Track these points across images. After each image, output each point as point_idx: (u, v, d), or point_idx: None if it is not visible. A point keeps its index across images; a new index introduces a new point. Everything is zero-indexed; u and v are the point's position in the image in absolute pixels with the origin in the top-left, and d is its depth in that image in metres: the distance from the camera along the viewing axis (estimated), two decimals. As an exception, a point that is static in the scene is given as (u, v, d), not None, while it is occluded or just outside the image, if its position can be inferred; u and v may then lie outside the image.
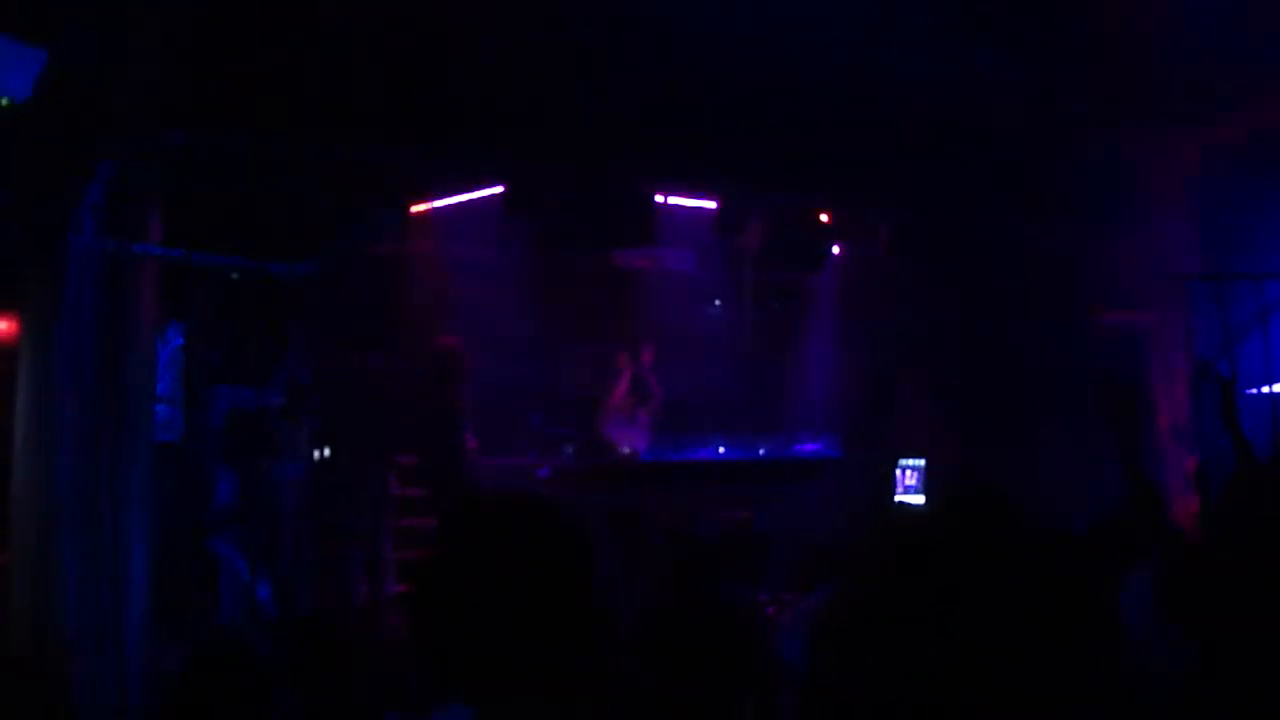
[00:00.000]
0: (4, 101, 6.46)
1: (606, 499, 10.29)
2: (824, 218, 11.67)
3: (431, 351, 9.93)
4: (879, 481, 10.09)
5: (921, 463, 4.01)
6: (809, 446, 11.43)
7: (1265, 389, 10.33)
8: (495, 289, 10.65)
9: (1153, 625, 3.06)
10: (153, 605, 7.04)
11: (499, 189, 10.12)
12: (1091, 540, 4.87)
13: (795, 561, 9.78)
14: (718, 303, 13.19)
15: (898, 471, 3.96)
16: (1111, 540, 4.87)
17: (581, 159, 9.73)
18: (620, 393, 11.23)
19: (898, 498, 4.12)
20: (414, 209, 10.14)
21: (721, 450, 11.12)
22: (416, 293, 10.68)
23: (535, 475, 10.47)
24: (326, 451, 8.84)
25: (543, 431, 11.05)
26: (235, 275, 8.29)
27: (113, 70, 6.96)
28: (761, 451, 11.22)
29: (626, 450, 10.87)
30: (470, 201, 10.29)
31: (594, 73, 8.89)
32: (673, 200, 10.96)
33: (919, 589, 2.30)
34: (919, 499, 4.18)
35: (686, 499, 10.71)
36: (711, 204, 11.08)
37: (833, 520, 10.03)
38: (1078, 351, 10.62)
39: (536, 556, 1.91)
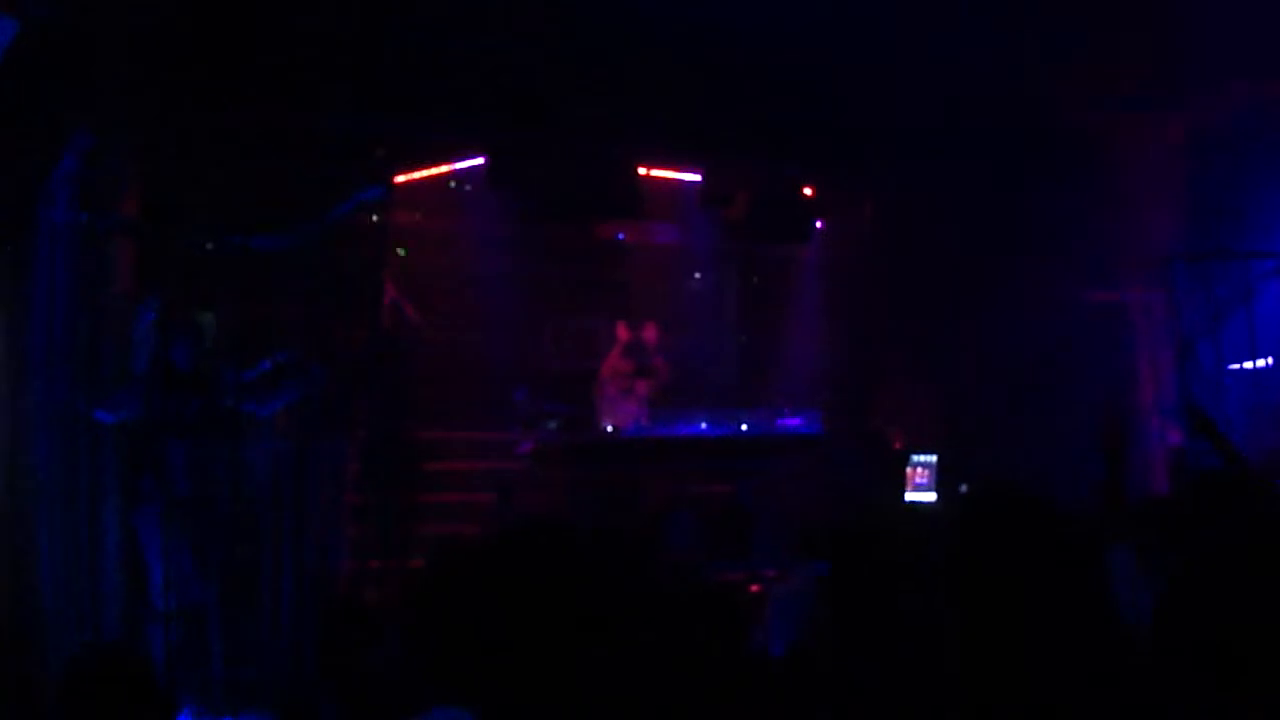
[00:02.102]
0: (-25, 72, 6.32)
1: (589, 475, 10.25)
2: (808, 191, 11.58)
3: (386, 324, 9.82)
4: (868, 464, 10.04)
5: (934, 459, 3.97)
6: (791, 422, 11.37)
7: (1249, 364, 10.37)
8: (478, 262, 10.55)
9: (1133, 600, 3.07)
10: (130, 585, 6.95)
11: (481, 161, 9.99)
12: (1082, 518, 4.87)
13: (778, 538, 9.80)
14: (698, 275, 13.12)
15: (908, 469, 3.92)
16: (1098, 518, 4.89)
17: (565, 131, 9.64)
18: (610, 363, 11.14)
19: (908, 496, 4.08)
20: (396, 180, 10.01)
21: (704, 426, 11.04)
22: (398, 266, 10.56)
23: (516, 451, 10.39)
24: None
25: (527, 407, 10.96)
26: (210, 247, 8.15)
27: (86, 40, 6.82)
28: (744, 427, 11.14)
29: (609, 426, 10.79)
30: (453, 173, 10.17)
31: (578, 44, 8.80)
32: (656, 173, 10.86)
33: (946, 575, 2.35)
34: (930, 496, 4.13)
35: (668, 474, 10.68)
36: (695, 176, 10.97)
37: (816, 499, 10.02)
38: (1063, 328, 10.61)
39: (551, 588, 1.85)
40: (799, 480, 10.93)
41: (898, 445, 12.49)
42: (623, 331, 11.26)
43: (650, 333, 11.34)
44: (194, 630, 6.90)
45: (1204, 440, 5.89)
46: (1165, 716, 2.22)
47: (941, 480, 4.52)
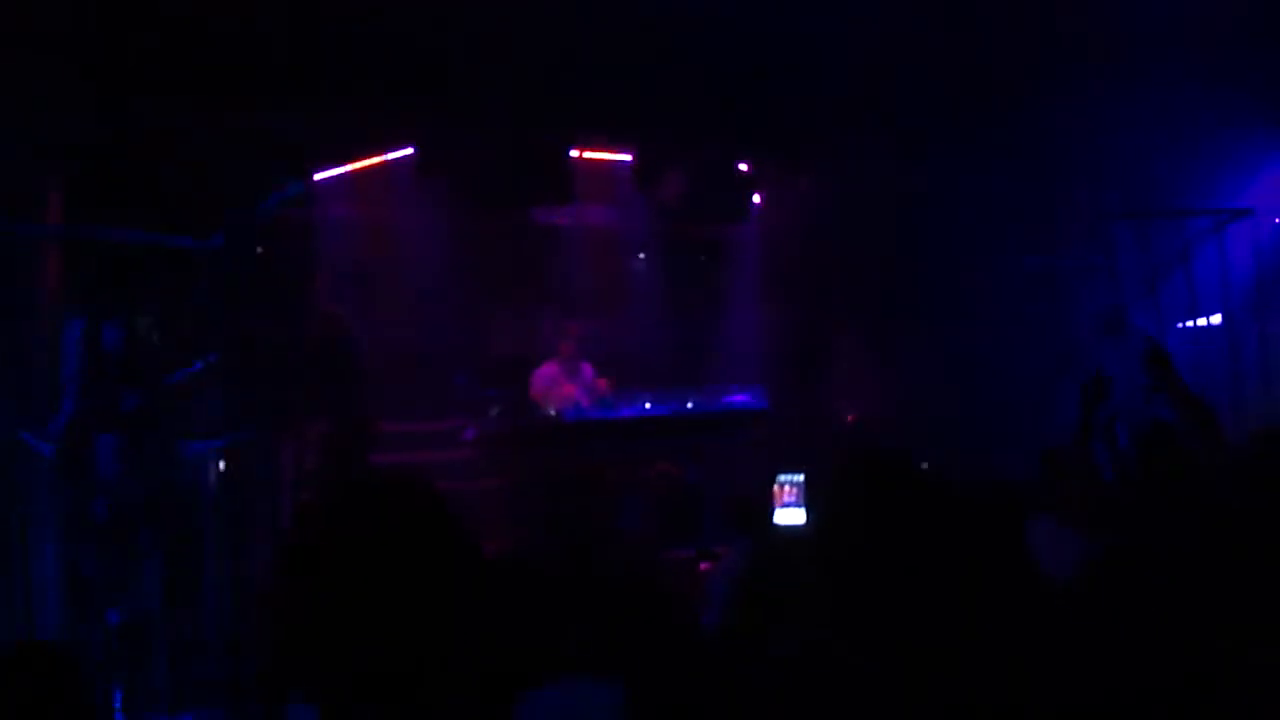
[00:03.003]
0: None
1: (534, 460, 10.20)
2: (743, 167, 11.56)
3: (316, 320, 9.73)
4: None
5: (800, 477, 3.97)
6: (738, 398, 11.37)
7: (1190, 323, 10.46)
8: (412, 252, 10.48)
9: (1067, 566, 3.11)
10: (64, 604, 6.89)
11: (409, 151, 9.91)
12: (1012, 487, 4.91)
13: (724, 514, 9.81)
14: (641, 256, 13.09)
15: (775, 487, 3.89)
16: (1028, 488, 4.92)
17: (492, 116, 9.57)
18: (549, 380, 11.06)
19: (777, 514, 4.06)
20: (324, 174, 9.92)
21: (648, 405, 11.01)
22: (329, 260, 10.47)
23: (461, 438, 10.34)
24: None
25: (467, 394, 10.90)
26: (134, 248, 8.07)
27: (6, 42, 6.73)
28: (690, 405, 11.13)
29: (552, 410, 10.74)
30: (383, 164, 10.08)
31: (502, 26, 8.72)
32: (588, 154, 10.79)
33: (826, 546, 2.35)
34: (799, 515, 4.13)
35: (615, 456, 10.65)
36: (628, 157, 10.92)
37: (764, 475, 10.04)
38: (1004, 295, 10.65)
39: (399, 550, 1.77)
40: (747, 455, 10.96)
41: (850, 419, 12.54)
42: (572, 330, 11.15)
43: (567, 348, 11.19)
44: (136, 633, 6.86)
45: (1158, 377, 5.91)
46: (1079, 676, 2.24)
47: (811, 498, 4.50)
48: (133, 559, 7.04)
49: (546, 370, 10.85)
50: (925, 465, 8.00)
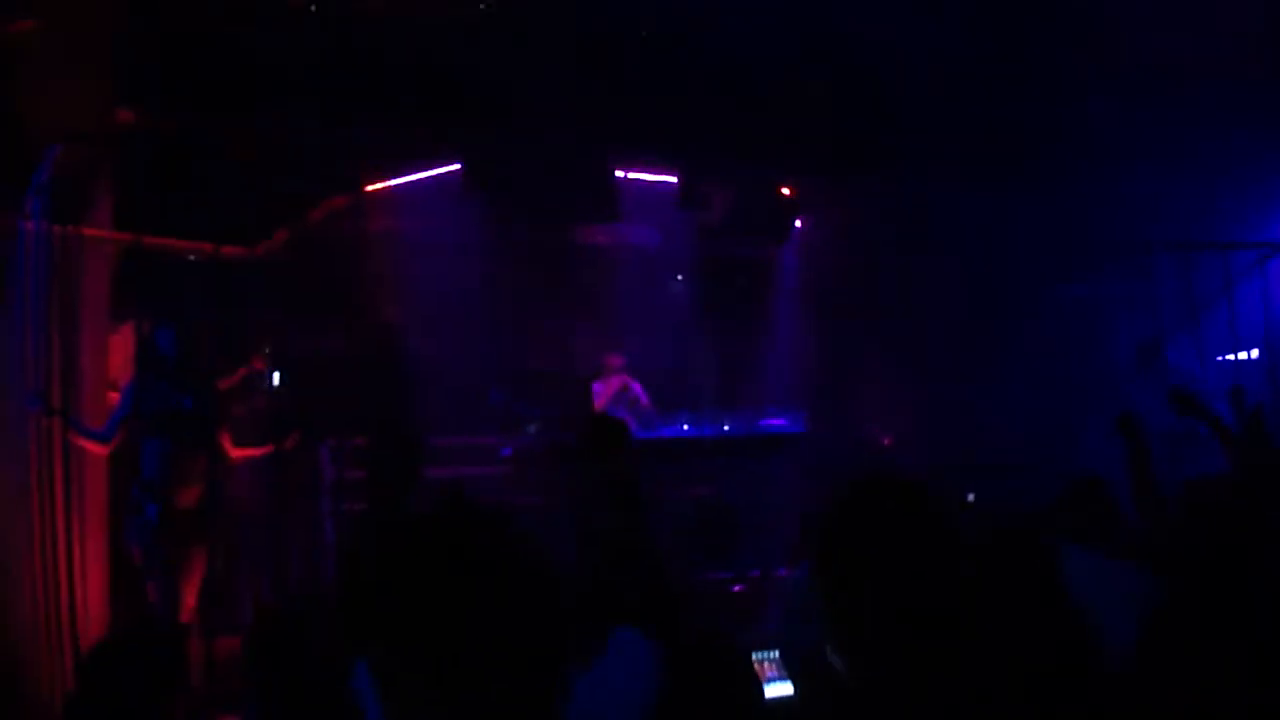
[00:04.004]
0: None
1: (570, 478, 10.21)
2: (786, 191, 11.56)
3: (371, 331, 9.79)
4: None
5: (775, 653, 3.94)
6: (774, 422, 11.37)
7: (1231, 356, 10.41)
8: (456, 268, 10.51)
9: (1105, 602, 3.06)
10: (111, 598, 6.93)
11: (456, 167, 9.96)
12: (1046, 516, 4.88)
13: (760, 537, 9.80)
14: (680, 278, 13.12)
15: (755, 665, 3.84)
16: (1065, 517, 4.88)
17: (541, 135, 9.61)
18: (609, 394, 11.11)
19: (766, 689, 4.01)
20: (370, 188, 9.98)
21: (685, 427, 11.02)
22: (375, 273, 10.54)
23: (498, 455, 10.37)
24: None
25: (505, 411, 10.93)
26: (193, 257, 8.16)
27: (60, 50, 6.80)
28: (726, 428, 11.13)
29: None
30: (429, 179, 10.13)
31: (553, 47, 8.77)
32: (633, 175, 10.82)
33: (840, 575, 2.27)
34: (786, 687, 4.09)
35: (651, 476, 10.65)
36: (672, 179, 10.95)
37: (802, 499, 10.02)
38: (1046, 323, 10.62)
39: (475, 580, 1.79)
40: (783, 479, 10.95)
41: (886, 443, 12.51)
42: (613, 364, 11.24)
43: (616, 361, 11.29)
44: (180, 634, 6.91)
45: (1190, 418, 5.88)
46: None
47: (797, 672, 4.43)
48: (180, 560, 7.11)
49: (600, 389, 10.95)
50: (971, 496, 7.94)
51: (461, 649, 1.71)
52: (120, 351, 7.79)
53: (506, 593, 1.76)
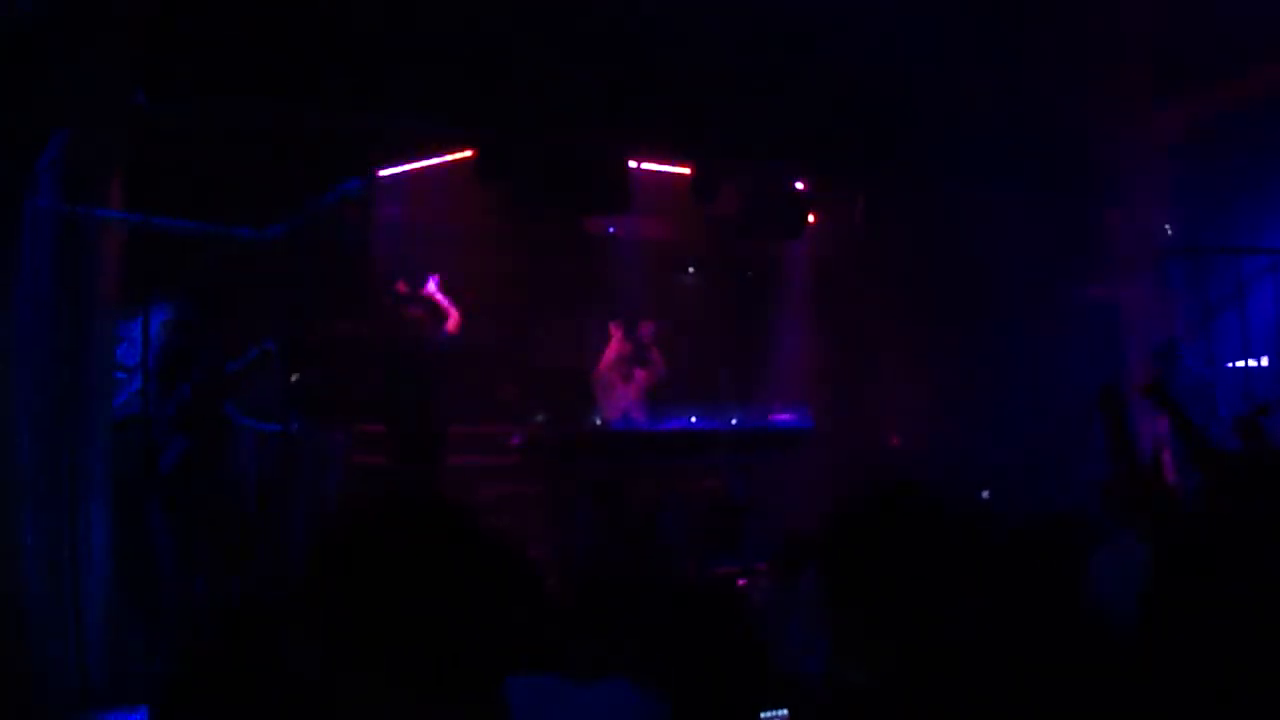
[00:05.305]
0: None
1: (578, 468, 10.20)
2: (800, 186, 11.51)
3: (399, 321, 9.74)
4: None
5: (784, 712, 3.87)
6: (782, 417, 11.34)
7: (1241, 363, 10.36)
8: (464, 255, 10.47)
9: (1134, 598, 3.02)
10: (115, 585, 6.89)
11: (469, 154, 9.90)
12: (1066, 518, 4.85)
13: (767, 532, 9.77)
14: (691, 270, 13.07)
15: None
16: (1084, 519, 4.84)
17: (554, 124, 9.56)
18: (609, 359, 11.06)
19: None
20: (383, 173, 9.92)
21: (694, 420, 11.00)
22: (384, 258, 10.49)
23: (507, 444, 10.34)
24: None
25: (515, 401, 10.91)
26: (203, 240, 8.11)
27: (72, 31, 6.73)
28: (734, 421, 11.09)
29: (598, 420, 10.75)
30: (441, 166, 10.07)
31: (566, 36, 8.72)
32: (647, 166, 10.76)
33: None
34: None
35: (658, 469, 10.63)
36: (685, 170, 10.89)
37: (808, 495, 9.99)
38: (1058, 325, 10.58)
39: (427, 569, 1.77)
40: (790, 474, 10.92)
41: (894, 442, 12.49)
42: (616, 332, 11.18)
43: (647, 329, 11.28)
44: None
45: (1159, 408, 5.83)
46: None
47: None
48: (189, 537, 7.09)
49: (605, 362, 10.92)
50: (986, 494, 7.91)
51: (405, 639, 1.71)
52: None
53: (454, 587, 1.75)
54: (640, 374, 11.15)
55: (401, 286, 9.71)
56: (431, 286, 9.82)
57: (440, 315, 9.77)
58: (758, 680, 3.70)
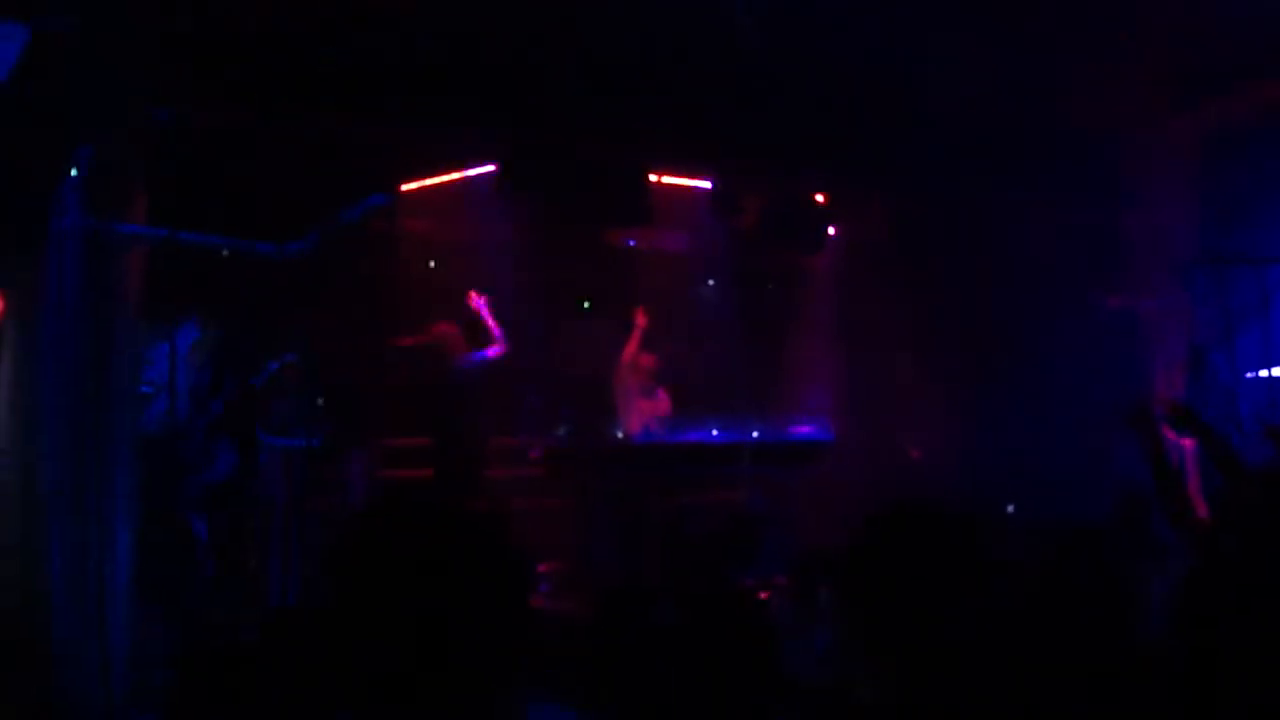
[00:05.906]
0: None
1: (599, 481, 10.21)
2: (820, 198, 11.52)
3: (428, 339, 9.79)
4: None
5: None
6: (803, 430, 11.33)
7: (1264, 373, 10.31)
8: (489, 269, 10.51)
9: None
10: (140, 592, 6.95)
11: (491, 167, 9.95)
12: (1101, 532, 4.83)
13: (787, 545, 9.77)
14: (712, 283, 13.08)
15: None
16: (1116, 532, 4.82)
17: (576, 137, 9.60)
18: (632, 349, 11.00)
19: None
20: (406, 187, 9.98)
21: (715, 433, 10.99)
22: (408, 273, 10.55)
23: (527, 456, 10.36)
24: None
25: (541, 413, 10.92)
26: (226, 254, 8.18)
27: (97, 47, 6.80)
28: (755, 434, 11.09)
29: (619, 433, 10.76)
30: (463, 180, 10.12)
31: (588, 50, 8.75)
32: (668, 179, 10.79)
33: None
34: None
35: (679, 481, 10.63)
36: (706, 183, 10.91)
37: (829, 508, 9.98)
38: (1080, 335, 10.54)
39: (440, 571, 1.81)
40: (810, 488, 10.91)
41: (915, 455, 12.46)
42: (640, 321, 11.11)
43: (648, 361, 11.20)
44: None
45: (1190, 434, 5.77)
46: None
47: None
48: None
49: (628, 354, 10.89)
50: (1011, 508, 7.88)
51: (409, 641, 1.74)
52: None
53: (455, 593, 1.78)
54: (662, 391, 11.14)
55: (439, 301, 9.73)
56: (479, 304, 9.87)
57: (482, 336, 9.79)
58: (772, 693, 3.71)
